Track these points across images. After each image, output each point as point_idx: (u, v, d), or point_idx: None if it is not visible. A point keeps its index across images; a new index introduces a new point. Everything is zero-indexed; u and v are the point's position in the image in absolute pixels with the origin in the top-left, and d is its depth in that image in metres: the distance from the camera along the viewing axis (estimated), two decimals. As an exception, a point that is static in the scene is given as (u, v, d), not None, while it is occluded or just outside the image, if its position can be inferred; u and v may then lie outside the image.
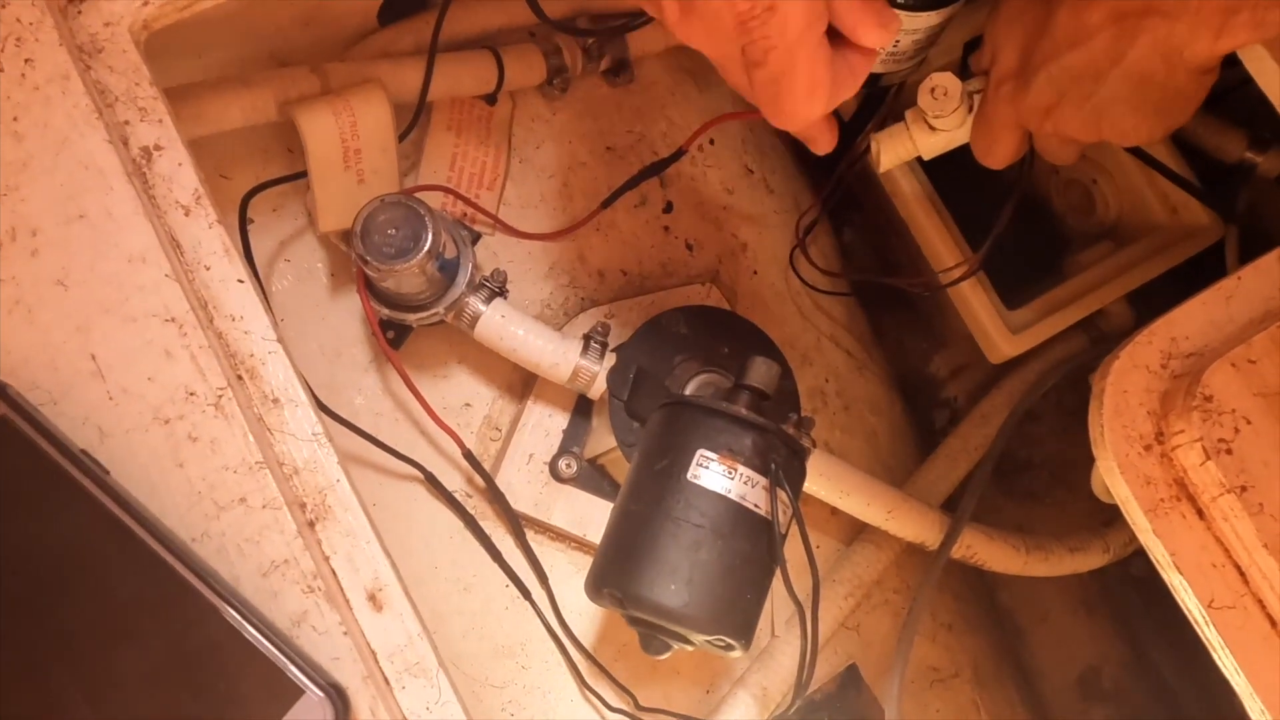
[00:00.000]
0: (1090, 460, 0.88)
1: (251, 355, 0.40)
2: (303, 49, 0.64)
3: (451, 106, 0.66)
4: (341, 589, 0.38)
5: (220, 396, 0.38)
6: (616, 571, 0.47)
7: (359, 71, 0.59)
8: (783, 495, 0.48)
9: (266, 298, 0.51)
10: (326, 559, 0.38)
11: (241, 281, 0.41)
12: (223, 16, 0.48)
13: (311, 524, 0.38)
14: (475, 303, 0.58)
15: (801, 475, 0.50)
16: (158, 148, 0.42)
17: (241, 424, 0.38)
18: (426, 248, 0.52)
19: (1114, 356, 0.42)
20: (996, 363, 0.76)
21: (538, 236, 0.67)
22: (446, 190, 0.63)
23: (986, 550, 0.67)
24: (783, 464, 0.48)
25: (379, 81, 0.59)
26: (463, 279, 0.57)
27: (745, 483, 0.47)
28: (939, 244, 0.67)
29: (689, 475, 0.47)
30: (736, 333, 0.61)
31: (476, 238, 0.62)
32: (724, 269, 0.73)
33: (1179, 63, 0.43)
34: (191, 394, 0.38)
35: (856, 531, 0.71)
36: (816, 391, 0.74)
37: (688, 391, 0.58)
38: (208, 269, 0.41)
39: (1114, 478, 0.41)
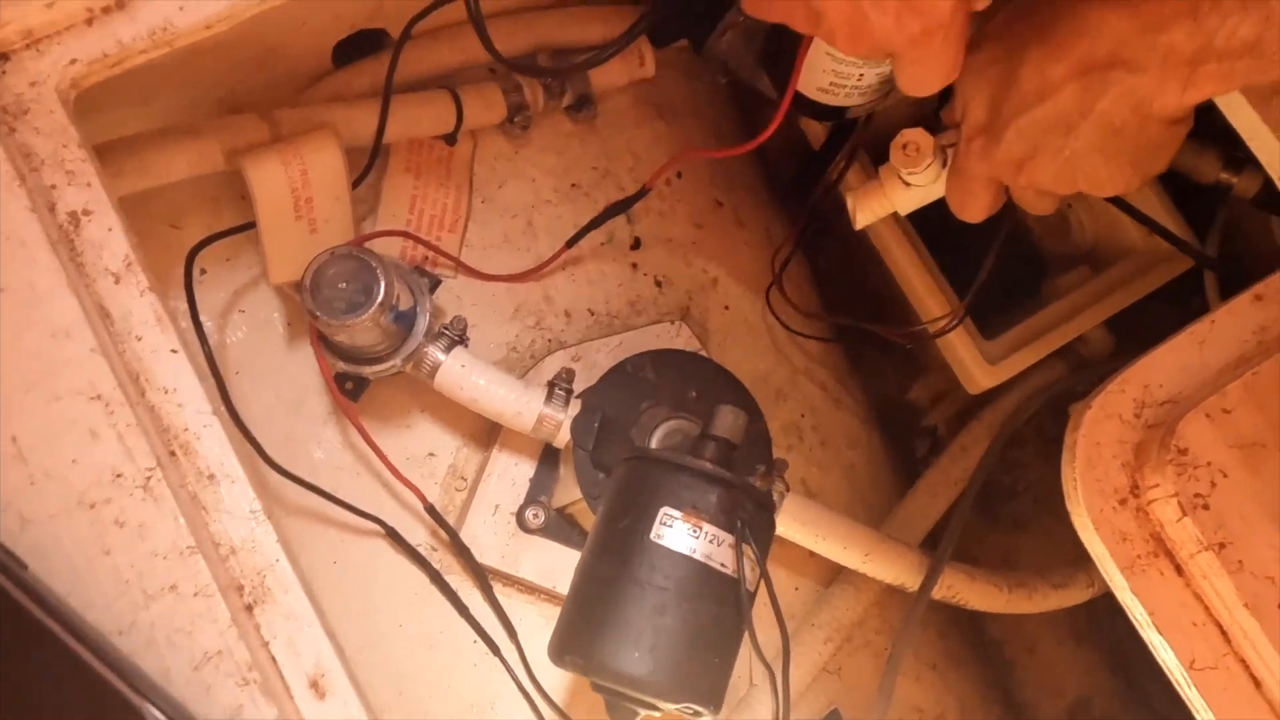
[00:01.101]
0: (1074, 487, 0.87)
1: (185, 429, 0.38)
2: (255, 92, 0.63)
3: (409, 148, 0.65)
4: (281, 677, 0.36)
5: (149, 477, 0.36)
6: (578, 638, 0.45)
7: (311, 117, 0.58)
8: (750, 552, 0.46)
9: (213, 359, 0.50)
10: (265, 645, 0.36)
11: (175, 351, 0.39)
12: (168, 63, 0.46)
13: (249, 608, 0.36)
14: (434, 352, 0.56)
15: (770, 530, 0.49)
16: (86, 212, 0.40)
17: (172, 506, 0.36)
18: (379, 301, 0.50)
19: (1086, 406, 0.41)
20: (975, 394, 0.74)
21: (502, 278, 0.66)
22: (405, 235, 0.62)
23: (968, 590, 0.65)
24: (750, 520, 0.46)
25: (331, 127, 0.57)
26: (420, 329, 0.56)
27: (711, 541, 0.45)
28: (926, 296, 0.66)
29: (652, 535, 0.45)
30: (705, 376, 0.59)
31: (436, 284, 0.61)
32: (695, 305, 0.71)
33: (1149, 114, 0.42)
34: (119, 476, 0.36)
35: (835, 572, 0.69)
36: (792, 427, 0.73)
37: (654, 440, 0.56)
38: (139, 339, 0.39)
39: (1088, 534, 0.40)
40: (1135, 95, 0.43)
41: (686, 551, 0.45)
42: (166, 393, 0.38)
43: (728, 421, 0.50)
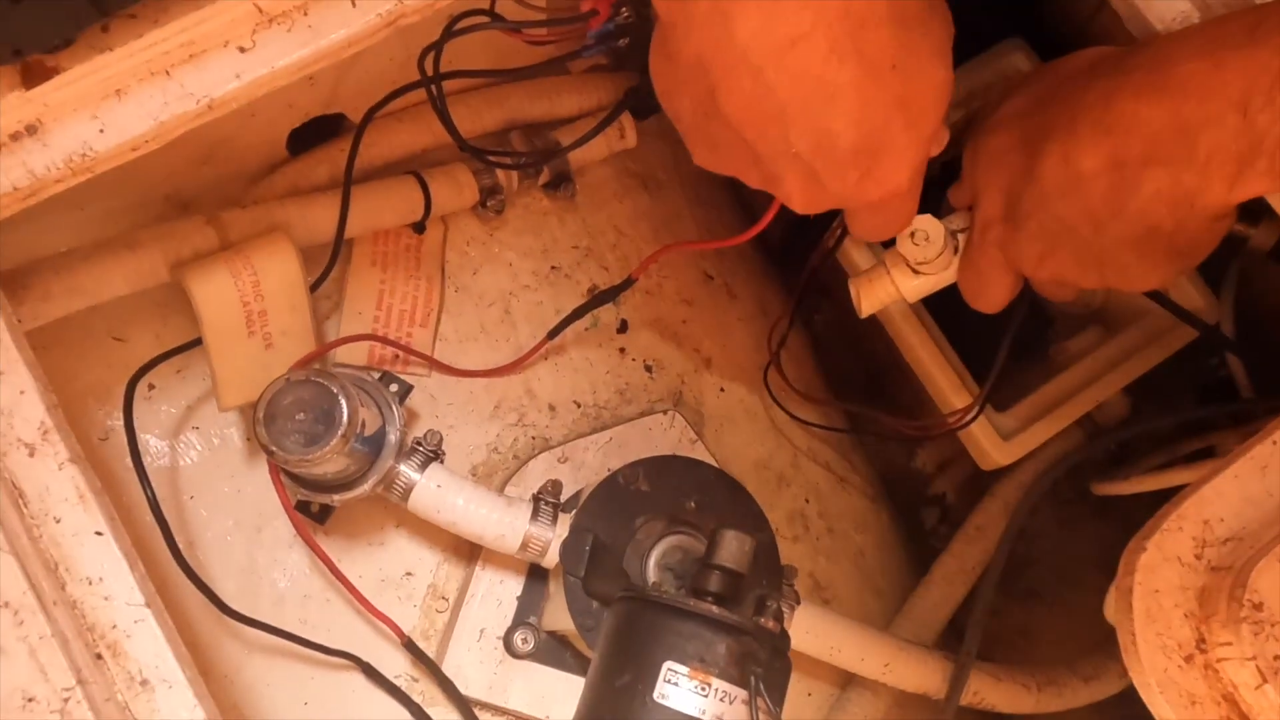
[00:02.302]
0: (1093, 555, 0.83)
1: (114, 627, 0.33)
2: (203, 188, 0.58)
3: (374, 239, 0.60)
4: None
5: (67, 699, 0.31)
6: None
7: (263, 217, 0.53)
8: (764, 705, 0.41)
9: (157, 505, 0.45)
10: None
11: (100, 534, 0.34)
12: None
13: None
14: (407, 472, 0.51)
15: (787, 676, 0.44)
16: (-7, 374, 0.35)
17: (97, 729, 0.31)
18: (341, 432, 0.45)
19: (1139, 548, 0.36)
20: (988, 470, 0.70)
21: (479, 373, 0.61)
22: (372, 339, 0.57)
23: (994, 693, 0.60)
24: (764, 671, 0.41)
25: (286, 228, 0.52)
26: (390, 447, 0.51)
27: (721, 699, 0.40)
28: (945, 386, 0.62)
29: (655, 695, 0.40)
30: (703, 483, 0.54)
31: (407, 390, 0.56)
32: (688, 389, 0.67)
33: (1189, 213, 0.38)
34: (30, 700, 0.30)
35: (850, 674, 0.64)
36: (797, 515, 0.68)
37: (652, 560, 0.51)
38: (58, 521, 0.34)
39: (1151, 695, 0.35)
40: (1175, 193, 0.38)
41: (695, 713, 0.40)
42: (91, 584, 0.33)
43: (733, 549, 0.46)
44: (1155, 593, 0.36)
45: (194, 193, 0.58)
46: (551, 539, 0.52)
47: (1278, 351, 0.73)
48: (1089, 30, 0.74)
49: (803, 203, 0.38)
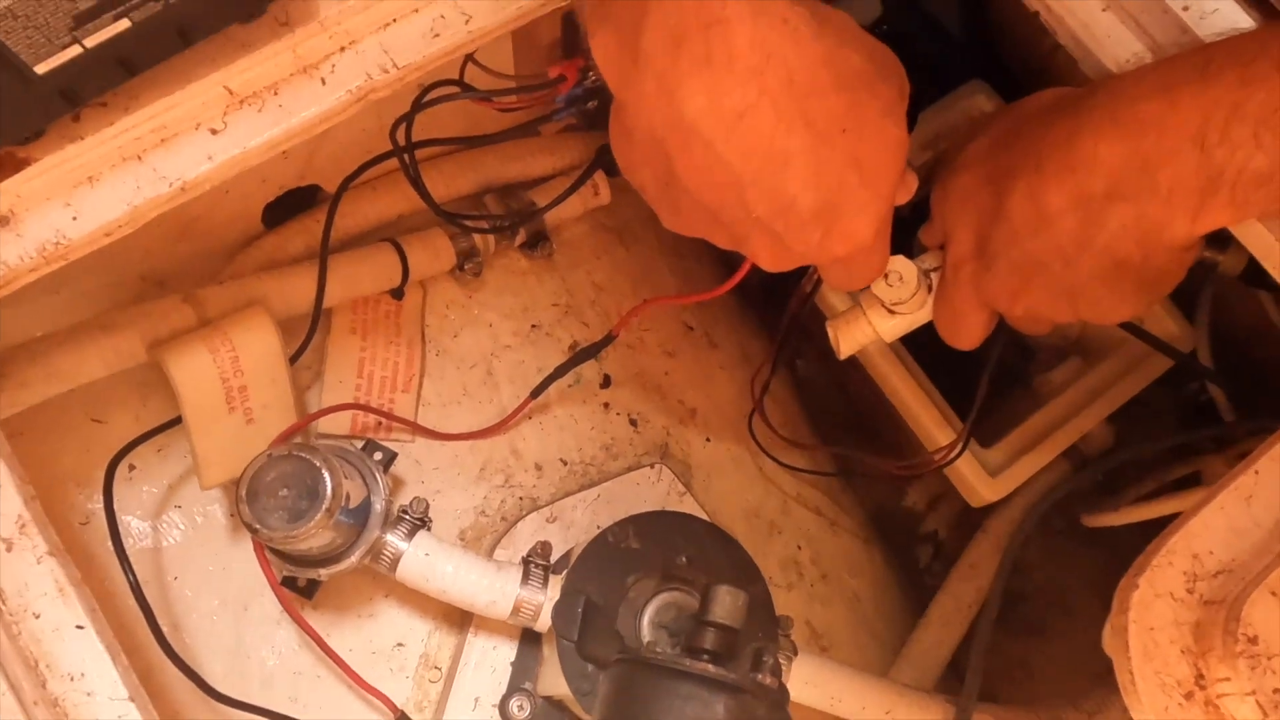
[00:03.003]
0: (1086, 585, 0.82)
1: (98, 723, 0.32)
2: (179, 265, 0.58)
3: (353, 307, 0.60)
4: None
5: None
6: None
7: (240, 292, 0.53)
8: (768, 764, 0.40)
9: (140, 591, 0.44)
10: None
11: (81, 628, 0.33)
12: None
13: None
14: (394, 542, 0.51)
15: (786, 731, 0.43)
16: (-31, 469, 0.34)
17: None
18: (325, 505, 0.45)
19: (1132, 585, 0.36)
20: (978, 506, 0.70)
21: (464, 436, 0.61)
22: (354, 407, 0.57)
23: (999, 735, 0.60)
24: (763, 728, 0.40)
25: (264, 302, 0.52)
26: (376, 518, 0.50)
27: (722, 760, 0.40)
28: (929, 424, 0.62)
29: (655, 760, 0.40)
30: (693, 536, 0.54)
31: (391, 458, 0.55)
32: (674, 441, 0.66)
33: (1156, 245, 0.38)
34: (13, 806, 0.30)
35: (852, 721, 0.63)
36: (790, 563, 0.68)
37: (646, 618, 0.51)
38: (37, 617, 0.33)
39: (1154, 735, 0.35)
40: (1140, 226, 0.39)
41: (696, 776, 0.39)
42: (73, 679, 0.33)
43: (726, 605, 0.45)
44: (1150, 630, 0.36)
45: (170, 270, 0.58)
46: (543, 602, 0.51)
47: (1256, 371, 0.74)
48: (1047, 69, 0.76)
49: (770, 262, 0.38)
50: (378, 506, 0.51)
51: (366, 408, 0.57)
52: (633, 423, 0.66)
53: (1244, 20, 0.41)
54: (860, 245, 0.37)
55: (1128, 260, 0.40)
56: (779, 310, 0.71)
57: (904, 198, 0.39)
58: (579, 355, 0.59)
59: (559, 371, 0.60)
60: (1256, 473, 0.38)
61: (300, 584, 0.54)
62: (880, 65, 0.36)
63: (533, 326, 0.65)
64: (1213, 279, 0.74)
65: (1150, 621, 0.36)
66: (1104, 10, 0.44)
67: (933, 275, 0.49)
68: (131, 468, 0.55)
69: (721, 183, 0.34)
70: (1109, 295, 0.42)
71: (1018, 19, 0.46)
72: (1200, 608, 0.36)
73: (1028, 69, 0.77)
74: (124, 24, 0.33)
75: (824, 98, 0.33)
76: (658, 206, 0.38)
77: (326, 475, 0.45)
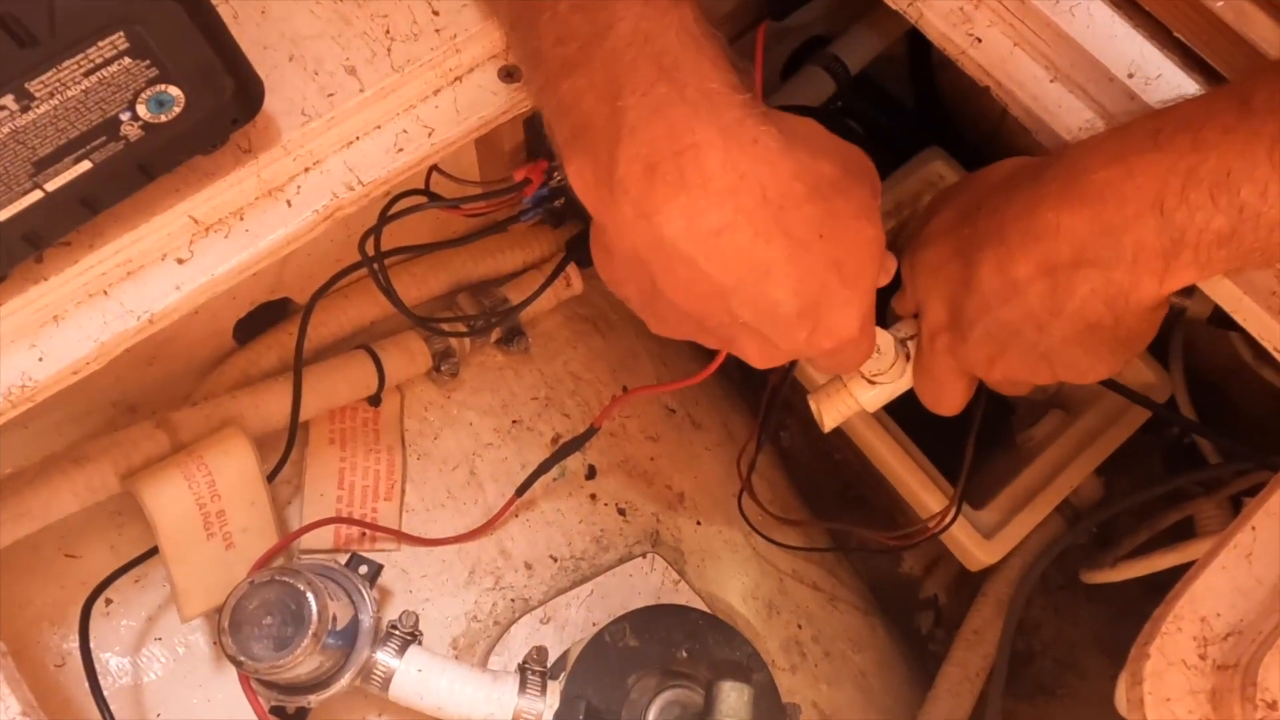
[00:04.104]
0: (1093, 639, 0.81)
1: None
2: (151, 388, 0.57)
3: (330, 417, 0.59)
4: None
5: None
6: None
7: (214, 412, 0.52)
8: None
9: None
10: None
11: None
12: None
13: None
14: (385, 660, 0.49)
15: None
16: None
17: None
18: (312, 630, 0.43)
19: (1143, 655, 0.36)
20: (975, 570, 0.69)
21: (450, 540, 0.59)
22: (336, 521, 0.55)
23: (1020, 808, 0.58)
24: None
25: (237, 422, 0.51)
26: (364, 637, 0.49)
27: None
28: (920, 491, 0.62)
29: None
30: (691, 629, 0.53)
31: (377, 571, 0.54)
32: (664, 528, 0.65)
33: (1126, 307, 0.39)
34: None
35: (870, 806, 0.61)
36: (792, 643, 0.66)
37: (651, 718, 0.49)
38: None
39: (1183, 812, 0.34)
40: (1109, 290, 0.39)
41: None
42: None
43: (732, 701, 0.44)
44: (1167, 701, 0.35)
45: (142, 394, 0.57)
46: (543, 710, 0.50)
47: (1232, 410, 0.74)
48: (999, 132, 0.78)
49: (759, 360, 0.38)
50: (366, 624, 0.49)
51: (349, 520, 0.56)
52: (621, 512, 0.65)
53: (1188, 84, 0.42)
54: (847, 339, 0.37)
55: (1100, 323, 0.40)
56: (759, 386, 0.71)
57: (883, 281, 0.40)
58: (562, 449, 0.58)
59: (543, 467, 0.59)
60: (1253, 529, 0.38)
61: (290, 712, 0.52)
62: (850, 168, 0.36)
63: (513, 422, 0.64)
64: (1182, 323, 0.75)
65: (1166, 692, 0.35)
66: (1051, 81, 0.45)
67: (909, 344, 0.49)
68: (108, 601, 0.53)
69: (706, 294, 0.34)
70: (1085, 357, 0.42)
71: (968, 88, 0.48)
72: (1214, 674, 0.35)
73: (981, 133, 0.79)
74: (85, 165, 0.33)
75: (799, 208, 0.34)
76: (644, 315, 0.39)
77: (311, 598, 0.44)
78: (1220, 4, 0.41)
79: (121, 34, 0.30)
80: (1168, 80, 0.42)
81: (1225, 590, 0.37)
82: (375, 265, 0.49)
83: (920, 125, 0.80)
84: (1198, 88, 0.42)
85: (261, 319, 0.58)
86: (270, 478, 0.53)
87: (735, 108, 0.33)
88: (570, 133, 0.34)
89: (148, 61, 0.31)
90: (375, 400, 0.60)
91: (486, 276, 0.64)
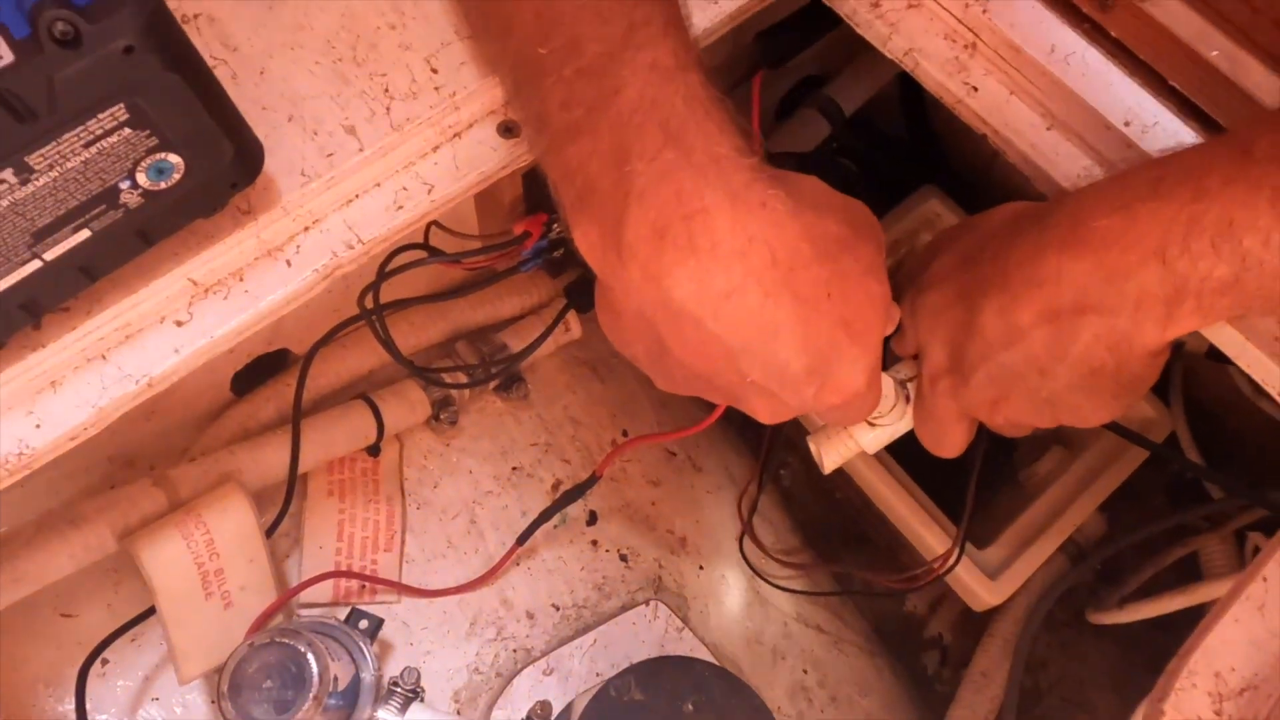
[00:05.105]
0: (1101, 676, 0.81)
1: None
2: (149, 442, 0.56)
3: (329, 469, 0.59)
4: None
5: None
6: None
7: (212, 468, 0.52)
8: None
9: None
10: None
11: None
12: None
13: None
14: (387, 719, 0.48)
15: None
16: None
17: None
18: (313, 693, 0.43)
19: (1158, 712, 0.35)
20: (980, 611, 0.68)
21: (451, 591, 0.59)
22: (335, 575, 0.55)
23: None
24: None
25: (235, 477, 0.51)
26: (366, 695, 0.48)
27: None
28: (923, 532, 0.62)
29: None
30: (697, 680, 0.52)
31: (378, 626, 0.53)
32: (666, 573, 0.65)
33: (1129, 353, 0.39)
34: None
35: None
36: (798, 689, 0.66)
37: (658, 775, 0.48)
38: None
39: None
40: (1112, 336, 0.39)
41: None
42: None
43: (741, 759, 0.43)
44: (1184, 759, 0.34)
45: (139, 448, 0.56)
46: (548, 768, 0.49)
47: (1231, 441, 0.74)
48: (993, 170, 0.78)
49: (768, 417, 0.38)
50: (367, 681, 0.48)
51: (348, 574, 0.55)
52: (623, 558, 0.64)
53: (1184, 132, 0.43)
54: (854, 394, 0.37)
55: (1102, 368, 0.40)
56: (759, 427, 0.71)
57: (889, 330, 0.40)
58: (563, 498, 0.58)
59: (544, 515, 0.59)
60: (1265, 580, 0.37)
61: (290, 773, 0.51)
62: (856, 226, 0.37)
63: (514, 469, 0.64)
64: (1181, 357, 0.76)
65: (1182, 750, 0.34)
66: (1049, 129, 0.45)
67: (909, 386, 0.49)
68: (105, 662, 0.52)
69: (715, 354, 0.34)
70: (1087, 402, 0.42)
71: (960, 126, 0.48)
72: (1231, 730, 0.35)
73: (975, 169, 0.80)
74: (84, 234, 0.33)
75: (807, 268, 0.34)
76: (651, 374, 0.38)
77: (312, 659, 0.43)
78: (1215, 53, 0.41)
79: (121, 105, 0.30)
80: (1164, 128, 0.43)
81: (1240, 643, 0.36)
82: (374, 318, 0.49)
83: (915, 162, 0.81)
84: (1194, 135, 0.42)
85: (260, 370, 0.58)
86: (269, 532, 0.53)
87: (742, 172, 0.33)
88: (576, 196, 0.34)
89: (147, 131, 0.31)
90: (374, 450, 0.59)
91: (485, 323, 0.64)
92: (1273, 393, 0.42)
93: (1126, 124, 0.43)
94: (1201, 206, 0.36)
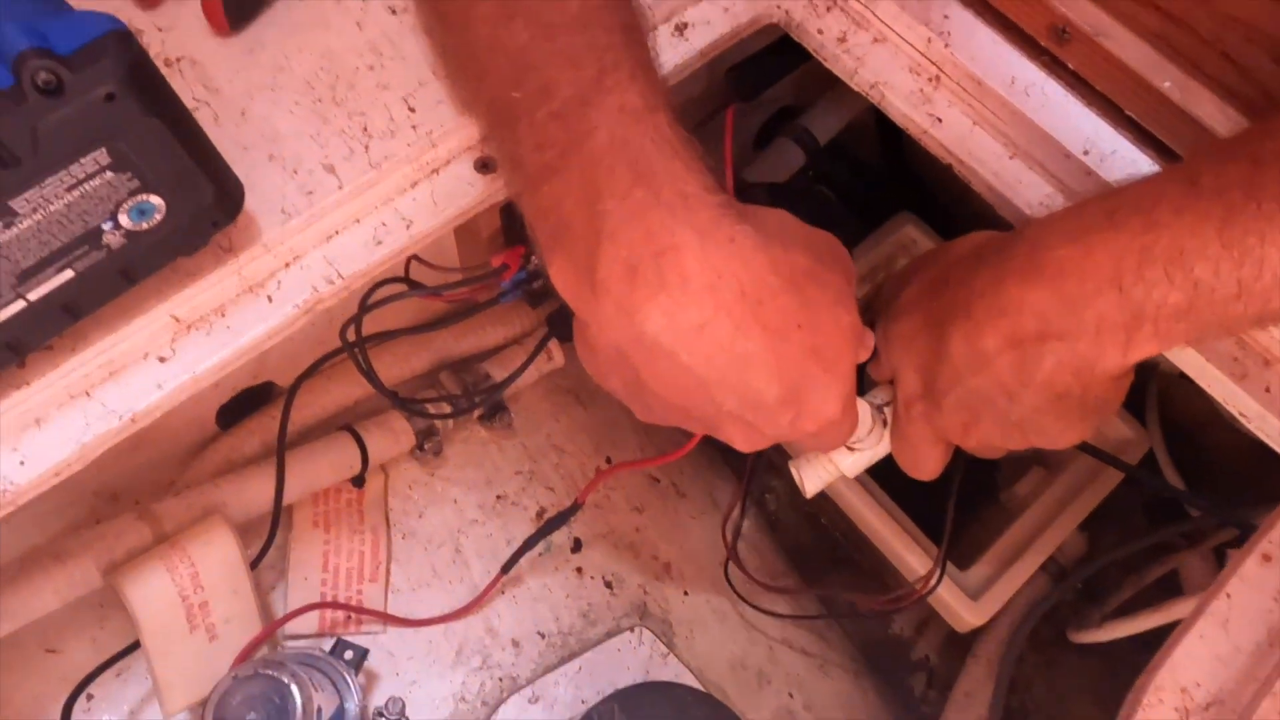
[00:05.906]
0: (1084, 692, 0.81)
1: None
2: (133, 475, 0.57)
3: (314, 500, 0.59)
4: None
5: None
6: None
7: (197, 501, 0.52)
8: None
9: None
10: None
11: None
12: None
13: None
14: (371, 749, 0.49)
15: None
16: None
17: None
18: (297, 724, 0.43)
19: (1126, 729, 0.36)
20: (963, 631, 0.69)
21: (437, 620, 0.59)
22: (320, 606, 0.55)
23: None
24: None
25: (220, 510, 0.51)
26: (351, 726, 0.48)
27: None
28: (904, 554, 0.62)
29: None
30: (680, 706, 0.52)
31: (363, 656, 0.54)
32: (651, 599, 0.65)
33: (1092, 377, 0.40)
34: None
35: None
36: (784, 713, 0.66)
37: (641, 802, 0.49)
38: None
39: None
40: (1074, 362, 0.40)
41: None
42: None
43: (722, 783, 0.43)
44: (1153, 774, 0.35)
45: (124, 482, 0.57)
46: (533, 796, 0.49)
47: (1207, 458, 0.75)
48: (967, 196, 0.80)
49: (745, 445, 0.39)
50: (352, 712, 0.49)
51: (334, 604, 0.55)
52: (608, 585, 0.64)
53: (1141, 159, 0.44)
54: (829, 420, 0.38)
55: (1068, 392, 0.41)
56: (742, 454, 0.72)
57: (862, 357, 0.41)
58: (547, 525, 0.58)
59: (529, 543, 0.59)
60: (1228, 596, 0.38)
61: (275, 805, 0.51)
62: (823, 258, 0.38)
63: (498, 497, 0.64)
64: (1157, 376, 0.77)
65: (1151, 765, 0.35)
66: (1011, 158, 0.46)
67: (885, 410, 0.50)
68: (89, 697, 0.52)
69: (689, 386, 0.35)
70: (1055, 424, 0.43)
71: (932, 155, 0.49)
72: (1198, 745, 0.35)
73: (950, 194, 0.81)
74: (67, 274, 0.34)
75: (775, 300, 0.35)
76: (630, 405, 0.39)
77: (295, 691, 0.44)
78: (1168, 84, 0.43)
79: (104, 150, 0.31)
80: (1122, 156, 0.44)
81: (1205, 659, 0.37)
82: (356, 351, 0.49)
83: (891, 189, 0.82)
84: (1151, 163, 0.44)
85: (245, 404, 0.59)
86: (254, 564, 0.53)
87: (710, 209, 0.34)
88: (551, 235, 0.35)
89: (129, 174, 0.32)
90: (359, 481, 0.60)
91: (468, 353, 0.65)
92: (1234, 412, 0.44)
93: (1086, 152, 0.44)
94: (1153, 237, 0.37)
